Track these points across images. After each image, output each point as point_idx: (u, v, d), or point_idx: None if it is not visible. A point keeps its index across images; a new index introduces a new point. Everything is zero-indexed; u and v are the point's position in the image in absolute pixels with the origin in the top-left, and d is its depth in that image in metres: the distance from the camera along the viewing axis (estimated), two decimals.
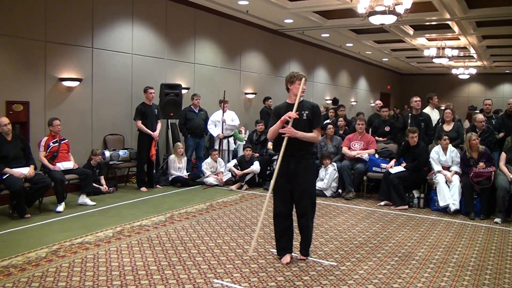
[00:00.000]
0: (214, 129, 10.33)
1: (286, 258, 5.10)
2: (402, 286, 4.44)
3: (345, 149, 9.06)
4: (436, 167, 7.93)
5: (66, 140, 7.74)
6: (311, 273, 4.74)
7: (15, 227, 6.24)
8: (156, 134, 9.02)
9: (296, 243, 5.36)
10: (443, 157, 7.99)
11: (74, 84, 8.56)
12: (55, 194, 7.26)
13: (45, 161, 7.36)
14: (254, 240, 5.11)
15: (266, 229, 6.36)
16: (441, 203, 7.69)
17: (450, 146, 8.05)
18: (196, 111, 10.19)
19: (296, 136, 4.90)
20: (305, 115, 5.05)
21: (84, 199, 7.61)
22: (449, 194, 7.66)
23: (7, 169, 6.64)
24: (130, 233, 6.01)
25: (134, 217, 6.85)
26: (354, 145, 9.05)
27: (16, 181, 6.60)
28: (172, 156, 9.58)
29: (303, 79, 5.07)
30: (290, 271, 4.76)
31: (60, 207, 7.17)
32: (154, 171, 9.34)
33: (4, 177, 6.63)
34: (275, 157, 9.35)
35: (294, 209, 5.17)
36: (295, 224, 5.22)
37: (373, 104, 20.63)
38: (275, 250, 5.31)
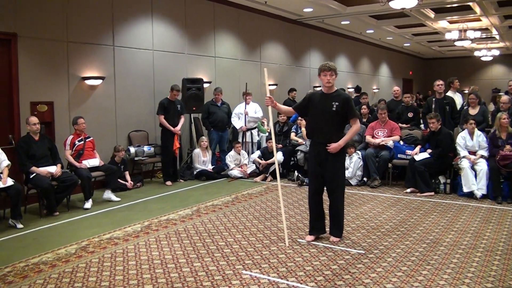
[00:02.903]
0: (237, 122, 10.35)
1: (310, 237, 5.48)
2: (431, 273, 4.41)
3: (368, 138, 8.99)
4: (463, 152, 7.83)
5: (91, 138, 7.84)
6: (339, 262, 4.74)
7: (45, 225, 6.35)
8: (177, 129, 9.08)
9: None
10: (469, 142, 7.87)
11: (97, 82, 8.65)
12: (82, 191, 7.37)
13: (71, 159, 7.46)
14: (285, 231, 5.43)
15: (292, 219, 6.37)
16: (465, 189, 7.61)
17: (476, 130, 7.93)
18: (219, 104, 10.21)
19: (340, 146, 5.35)
20: (335, 106, 5.33)
21: (109, 194, 7.70)
22: (474, 180, 7.56)
23: (34, 168, 6.75)
24: (158, 227, 6.07)
25: (161, 211, 6.92)
26: (378, 133, 8.97)
27: (43, 179, 6.72)
28: (197, 150, 9.64)
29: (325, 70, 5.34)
30: (318, 261, 4.77)
31: (88, 204, 7.28)
32: (178, 166, 9.41)
33: (31, 176, 6.76)
34: (299, 147, 9.35)
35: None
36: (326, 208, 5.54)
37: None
38: (303, 240, 5.43)
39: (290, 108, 5.75)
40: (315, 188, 5.49)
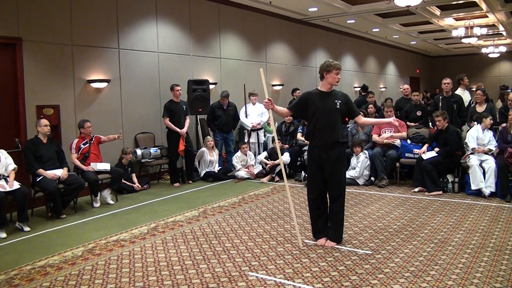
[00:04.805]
0: (246, 120, 10.39)
1: (322, 241, 5.31)
2: (439, 273, 4.37)
3: (375, 137, 8.94)
4: (473, 145, 7.73)
5: (95, 136, 7.85)
6: (346, 262, 4.70)
7: (52, 228, 6.36)
8: (183, 131, 9.07)
9: None
10: (480, 135, 7.78)
11: (103, 85, 8.66)
12: (90, 193, 7.44)
13: (78, 163, 7.48)
14: (297, 230, 5.38)
15: (299, 220, 6.33)
16: (473, 187, 7.53)
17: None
18: (225, 107, 10.19)
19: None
20: (338, 104, 5.21)
21: (107, 195, 7.74)
22: (481, 178, 7.48)
23: (40, 171, 6.76)
24: (165, 229, 6.07)
25: (168, 213, 6.91)
26: (385, 132, 8.92)
27: (50, 182, 6.73)
28: (203, 149, 9.63)
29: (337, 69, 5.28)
30: (325, 261, 4.74)
31: (97, 203, 7.49)
32: (184, 167, 9.42)
33: (38, 179, 6.77)
34: (306, 147, 9.31)
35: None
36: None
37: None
38: (310, 241, 5.39)
39: (285, 109, 5.57)
40: (317, 194, 5.31)
